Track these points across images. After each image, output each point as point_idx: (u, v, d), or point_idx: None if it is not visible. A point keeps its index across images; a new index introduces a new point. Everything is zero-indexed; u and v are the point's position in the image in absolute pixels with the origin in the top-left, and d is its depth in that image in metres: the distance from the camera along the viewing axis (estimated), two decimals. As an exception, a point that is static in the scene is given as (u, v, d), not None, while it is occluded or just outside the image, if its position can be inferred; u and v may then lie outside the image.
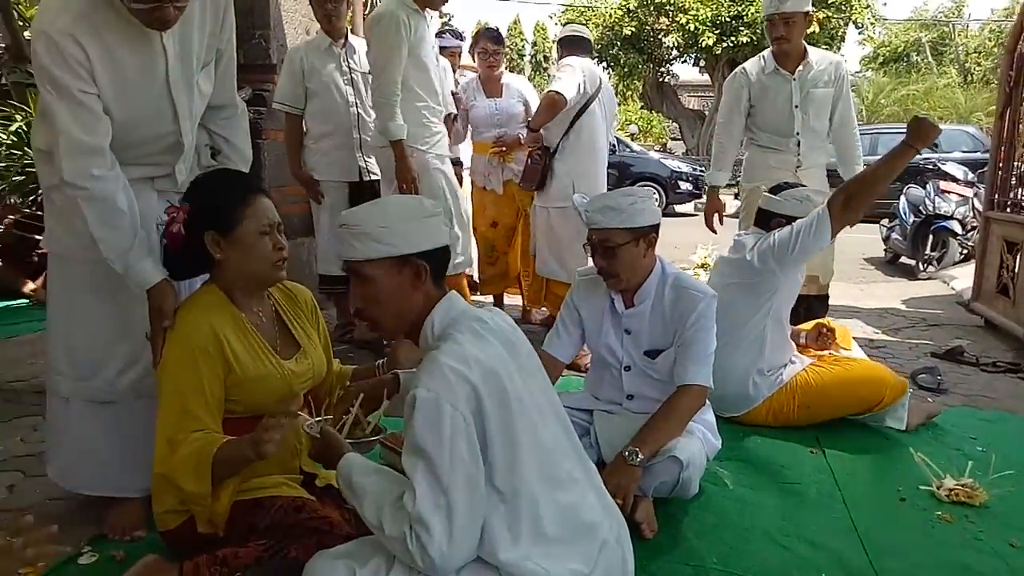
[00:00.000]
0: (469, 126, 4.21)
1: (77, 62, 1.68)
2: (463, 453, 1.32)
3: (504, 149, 4.06)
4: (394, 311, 1.48)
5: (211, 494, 1.63)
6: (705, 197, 4.58)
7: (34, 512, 1.98)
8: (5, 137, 4.66)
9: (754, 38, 16.97)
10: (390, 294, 1.46)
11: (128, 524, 1.97)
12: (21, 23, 4.87)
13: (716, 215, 4.02)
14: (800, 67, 3.74)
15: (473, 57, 4.25)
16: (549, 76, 21.04)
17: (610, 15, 19.63)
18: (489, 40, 4.07)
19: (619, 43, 19.63)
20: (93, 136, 1.72)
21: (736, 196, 7.90)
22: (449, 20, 15.04)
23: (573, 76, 3.62)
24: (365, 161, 3.63)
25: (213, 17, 1.91)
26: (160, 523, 1.72)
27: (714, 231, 4.04)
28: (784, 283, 2.70)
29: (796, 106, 3.75)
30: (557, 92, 3.57)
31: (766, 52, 3.84)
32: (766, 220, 2.80)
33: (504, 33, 4.37)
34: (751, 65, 3.88)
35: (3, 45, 4.97)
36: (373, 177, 3.61)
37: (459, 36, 4.55)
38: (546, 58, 32.46)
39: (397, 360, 1.98)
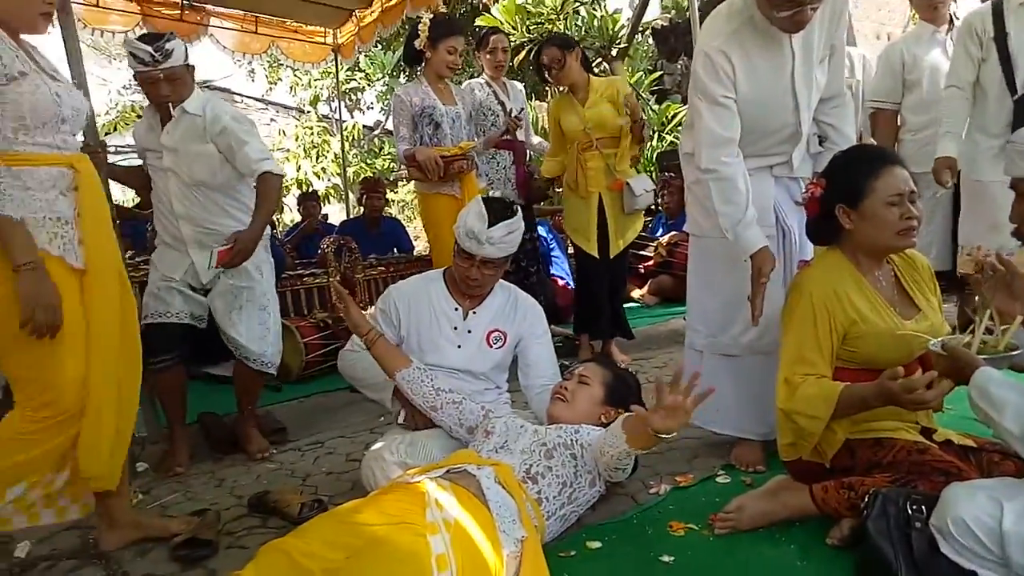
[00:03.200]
0: None
1: (725, 74, 2.12)
2: None
3: None
4: None
5: (824, 429, 1.81)
6: None
7: (677, 444, 2.55)
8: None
9: None
10: None
11: (751, 459, 2.32)
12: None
13: None
14: None
15: None
16: None
17: None
18: None
19: None
20: (727, 131, 2.14)
21: None
22: None
23: None
24: None
25: (831, 15, 2.16)
26: (783, 453, 1.98)
27: None
28: None
29: None
30: None
31: None
32: None
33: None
34: None
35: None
36: None
37: None
38: None
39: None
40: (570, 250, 5.08)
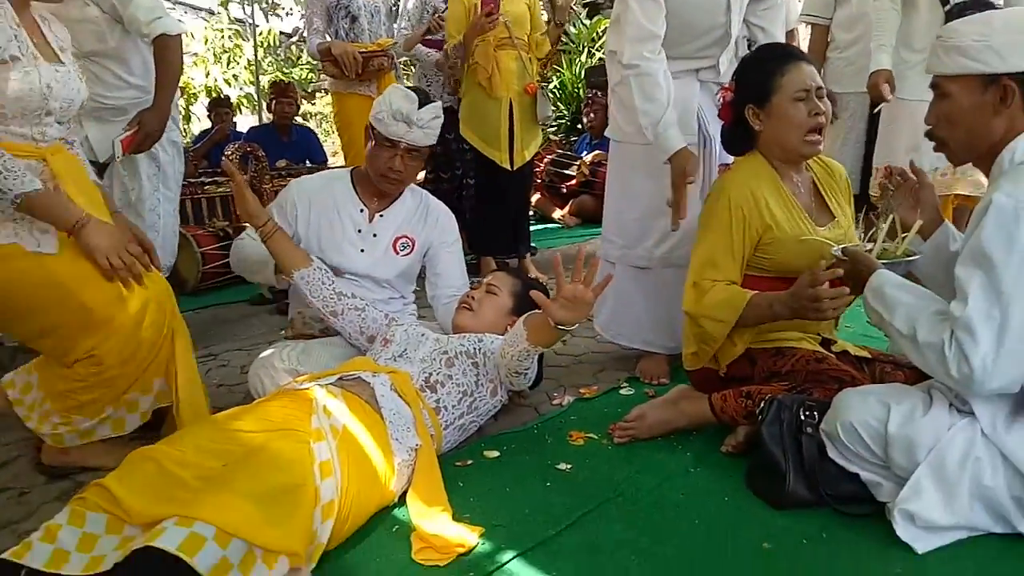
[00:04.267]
0: None
1: None
2: None
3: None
4: (964, 135, 1.41)
5: (727, 337, 1.81)
6: None
7: (584, 358, 2.53)
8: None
9: None
10: (964, 115, 1.40)
11: (656, 372, 2.32)
12: None
13: None
14: None
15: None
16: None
17: None
18: None
19: None
20: (653, 25, 2.05)
21: None
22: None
23: None
24: None
25: None
26: (687, 362, 1.97)
27: None
28: None
29: None
30: None
31: None
32: None
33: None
34: None
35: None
36: None
37: None
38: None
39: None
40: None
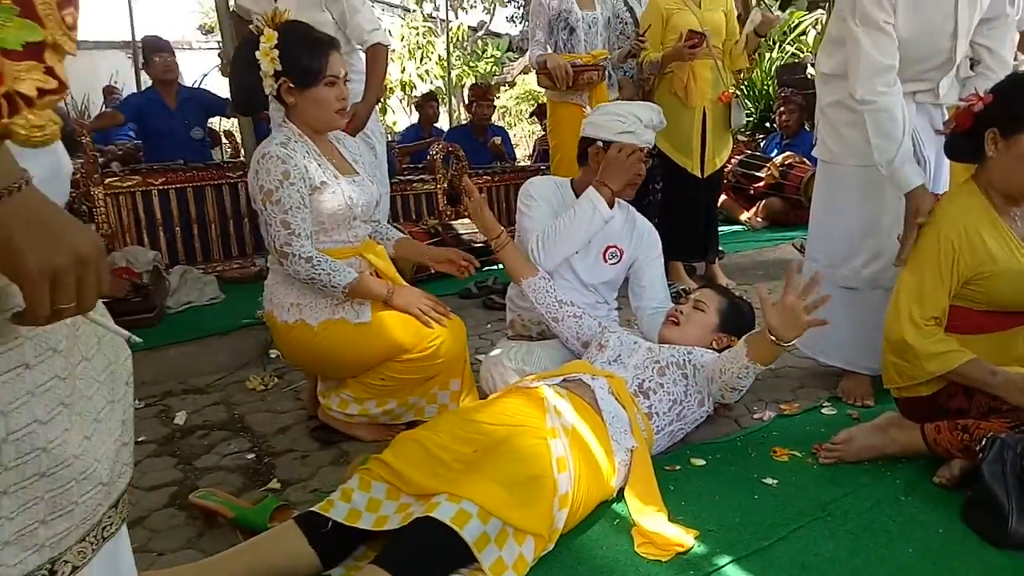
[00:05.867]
0: None
1: None
2: None
3: None
4: None
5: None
6: None
7: (782, 372, 2.58)
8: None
9: None
10: None
11: (859, 392, 2.33)
12: None
13: None
14: None
15: None
16: None
17: None
18: None
19: None
20: (888, 58, 2.04)
21: None
22: None
23: None
24: None
25: None
26: (887, 380, 1.96)
27: None
28: None
29: None
30: None
31: None
32: None
33: None
34: None
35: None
36: None
37: None
38: None
39: None
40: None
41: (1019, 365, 1.84)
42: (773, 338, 1.72)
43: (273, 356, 2.84)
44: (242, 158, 4.47)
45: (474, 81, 9.31)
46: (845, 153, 2.29)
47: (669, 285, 3.19)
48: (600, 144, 2.31)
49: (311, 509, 1.54)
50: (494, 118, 5.83)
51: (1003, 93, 1.82)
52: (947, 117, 2.13)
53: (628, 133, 2.26)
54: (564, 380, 1.93)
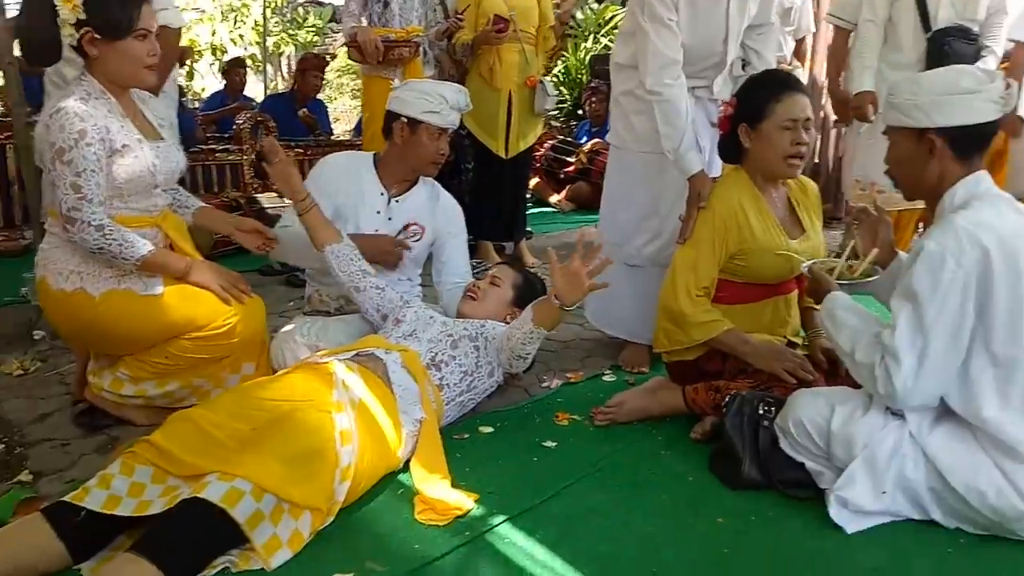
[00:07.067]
0: None
1: None
2: (953, 307, 1.45)
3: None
4: (910, 176, 1.63)
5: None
6: None
7: (571, 344, 2.74)
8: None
9: None
10: (904, 161, 1.62)
11: (637, 361, 2.54)
12: None
13: None
14: None
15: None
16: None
17: None
18: None
19: None
20: (673, 52, 2.21)
21: None
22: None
23: None
24: None
25: None
26: (657, 344, 2.15)
27: None
28: None
29: None
30: None
31: None
32: None
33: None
34: None
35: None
36: None
37: None
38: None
39: None
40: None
41: (766, 332, 2.11)
42: (558, 302, 1.83)
43: (37, 338, 2.57)
44: (8, 117, 3.97)
45: (294, 50, 8.88)
46: (633, 140, 2.46)
47: (478, 264, 3.29)
48: (404, 120, 2.31)
49: (62, 499, 1.43)
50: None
51: (743, 93, 2.09)
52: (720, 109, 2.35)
53: (433, 113, 2.27)
54: (356, 355, 1.92)
